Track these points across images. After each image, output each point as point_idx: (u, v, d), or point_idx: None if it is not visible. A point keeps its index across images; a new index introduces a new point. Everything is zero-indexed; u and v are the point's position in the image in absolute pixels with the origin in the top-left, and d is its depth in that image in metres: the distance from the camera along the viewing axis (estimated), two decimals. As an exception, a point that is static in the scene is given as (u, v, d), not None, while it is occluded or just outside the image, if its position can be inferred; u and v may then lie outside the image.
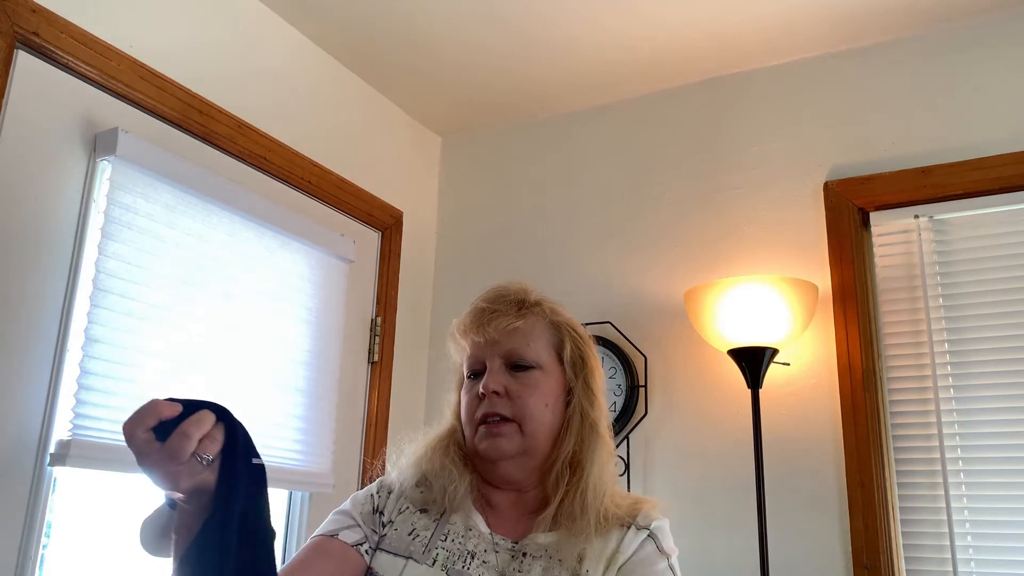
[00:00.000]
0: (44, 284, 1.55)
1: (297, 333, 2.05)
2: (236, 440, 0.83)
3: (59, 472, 1.53)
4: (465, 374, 1.17)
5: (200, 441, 0.80)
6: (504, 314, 1.13)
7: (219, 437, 0.82)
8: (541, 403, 1.11)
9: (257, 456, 0.86)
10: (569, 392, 1.15)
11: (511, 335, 1.12)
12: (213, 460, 0.81)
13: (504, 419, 1.09)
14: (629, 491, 2.17)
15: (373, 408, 2.35)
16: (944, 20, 2.10)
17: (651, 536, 1.07)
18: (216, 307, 1.83)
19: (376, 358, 2.38)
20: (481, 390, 1.11)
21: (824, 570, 1.95)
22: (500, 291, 1.18)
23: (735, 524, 2.04)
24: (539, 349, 1.14)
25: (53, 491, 1.53)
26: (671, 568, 1.06)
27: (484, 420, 1.10)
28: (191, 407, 0.81)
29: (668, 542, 1.08)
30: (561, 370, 1.15)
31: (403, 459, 1.19)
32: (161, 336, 1.68)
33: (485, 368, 1.13)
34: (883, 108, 2.16)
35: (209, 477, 0.81)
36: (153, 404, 0.80)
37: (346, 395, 2.23)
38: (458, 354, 1.19)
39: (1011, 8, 2.05)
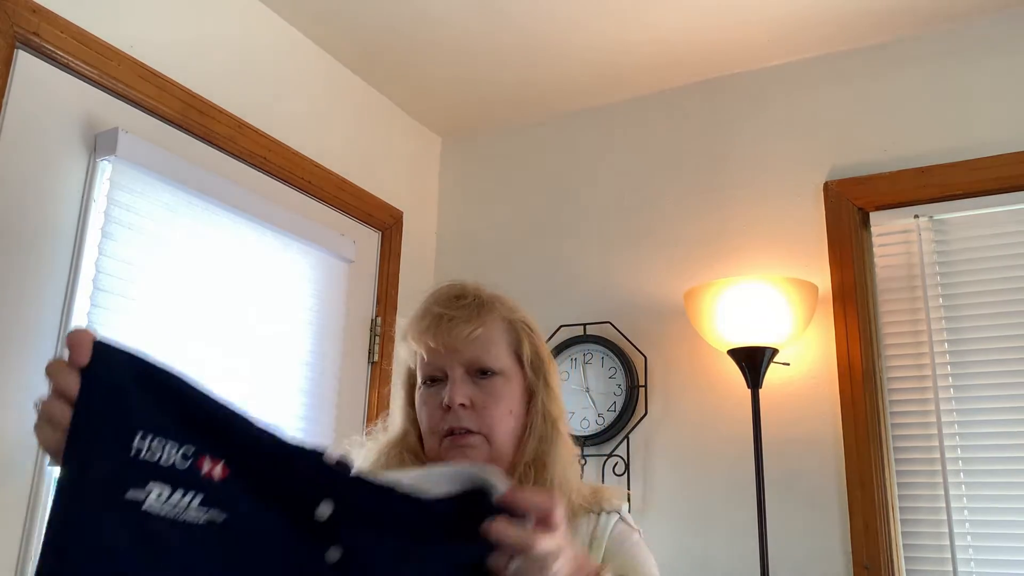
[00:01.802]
0: (44, 284, 1.55)
1: (297, 333, 2.06)
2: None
3: (59, 472, 1.53)
4: (420, 379, 1.13)
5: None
6: (464, 320, 1.10)
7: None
8: (506, 411, 1.10)
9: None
10: (531, 392, 1.13)
11: (472, 343, 1.09)
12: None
13: (470, 431, 1.07)
14: (629, 489, 2.17)
15: (373, 408, 2.35)
16: (944, 20, 2.10)
17: (621, 518, 1.11)
18: (216, 307, 1.83)
19: (376, 358, 2.38)
20: (446, 403, 1.07)
21: (824, 570, 1.95)
22: (455, 293, 1.14)
23: (735, 524, 2.04)
24: (500, 354, 1.11)
25: (53, 491, 1.53)
26: (641, 541, 1.12)
27: (450, 432, 1.08)
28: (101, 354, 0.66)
29: (632, 521, 1.14)
30: (521, 372, 1.13)
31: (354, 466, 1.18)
32: (161, 336, 1.68)
33: (444, 375, 1.10)
34: (883, 108, 2.16)
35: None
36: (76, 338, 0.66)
37: (346, 395, 2.23)
38: (411, 358, 1.15)
39: (1011, 8, 2.05)
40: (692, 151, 2.39)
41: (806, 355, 2.09)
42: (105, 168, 1.65)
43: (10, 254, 1.50)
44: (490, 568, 0.73)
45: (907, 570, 1.90)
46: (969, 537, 1.85)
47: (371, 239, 2.45)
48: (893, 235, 2.09)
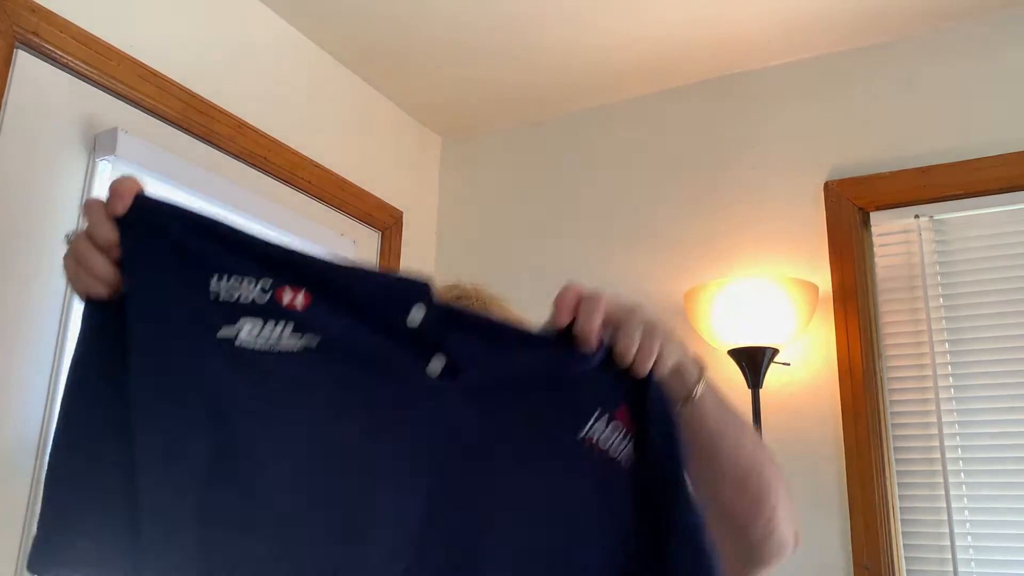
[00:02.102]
0: (44, 284, 1.55)
1: (297, 333, 2.05)
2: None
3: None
4: None
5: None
6: None
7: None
8: None
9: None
10: None
11: None
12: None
13: None
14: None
15: (373, 408, 2.34)
16: (944, 20, 2.10)
17: None
18: (216, 307, 1.83)
19: (376, 358, 2.38)
20: None
21: (824, 570, 1.95)
22: (455, 295, 1.14)
23: (735, 524, 2.04)
24: None
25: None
26: None
27: None
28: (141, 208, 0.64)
29: None
30: None
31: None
32: (161, 336, 1.68)
33: None
34: (883, 108, 2.16)
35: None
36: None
37: (346, 395, 2.23)
38: None
39: (1011, 8, 2.04)
40: (692, 151, 2.39)
41: (806, 355, 2.09)
42: (105, 168, 1.65)
43: (10, 254, 1.50)
44: (619, 357, 0.72)
45: (907, 570, 1.90)
46: (969, 537, 1.85)
47: (371, 239, 2.45)
48: (893, 235, 2.08)
